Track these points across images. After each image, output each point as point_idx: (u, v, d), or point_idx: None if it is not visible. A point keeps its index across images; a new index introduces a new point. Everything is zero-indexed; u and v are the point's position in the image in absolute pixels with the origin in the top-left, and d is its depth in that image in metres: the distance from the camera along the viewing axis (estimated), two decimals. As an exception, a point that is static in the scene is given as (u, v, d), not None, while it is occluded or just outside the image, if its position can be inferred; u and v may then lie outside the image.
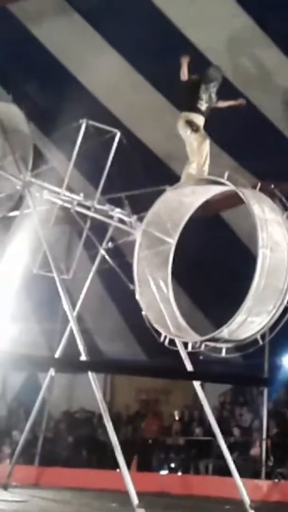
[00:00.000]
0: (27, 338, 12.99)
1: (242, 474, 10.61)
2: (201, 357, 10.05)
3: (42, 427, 14.81)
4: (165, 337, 10.10)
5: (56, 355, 12.16)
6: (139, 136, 13.54)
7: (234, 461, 10.71)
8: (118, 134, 11.45)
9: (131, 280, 10.60)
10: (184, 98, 10.46)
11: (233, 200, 11.84)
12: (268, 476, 13.05)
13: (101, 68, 12.82)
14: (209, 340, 9.69)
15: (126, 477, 9.16)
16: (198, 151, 10.34)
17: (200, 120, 10.34)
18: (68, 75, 13.53)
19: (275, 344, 13.82)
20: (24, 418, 15.19)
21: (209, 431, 12.44)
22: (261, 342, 9.58)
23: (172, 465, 15.08)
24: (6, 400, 18.83)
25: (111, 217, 11.44)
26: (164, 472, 14.84)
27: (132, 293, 13.62)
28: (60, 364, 12.10)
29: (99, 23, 12.56)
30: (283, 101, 11.96)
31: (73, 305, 11.25)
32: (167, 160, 13.40)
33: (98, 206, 11.40)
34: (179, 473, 14.74)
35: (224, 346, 9.71)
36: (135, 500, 8.82)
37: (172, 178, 11.00)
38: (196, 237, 11.62)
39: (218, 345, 9.71)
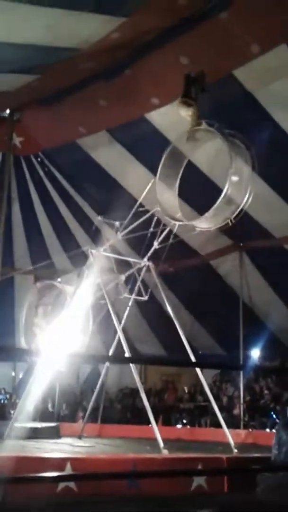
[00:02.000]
0: (93, 344, 12.85)
1: (228, 426, 10.48)
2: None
3: (102, 399, 14.71)
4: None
5: (110, 353, 12.19)
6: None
7: (223, 418, 10.59)
8: (117, 223, 11.43)
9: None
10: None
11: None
12: (245, 427, 12.87)
13: (133, 176, 12.91)
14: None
15: (155, 429, 9.17)
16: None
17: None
18: (114, 181, 13.50)
19: (246, 342, 13.84)
20: (91, 393, 15.12)
21: (206, 399, 12.29)
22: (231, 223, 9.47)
23: (184, 421, 14.90)
24: (79, 382, 18.71)
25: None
26: (179, 426, 14.66)
27: (156, 313, 13.53)
28: (113, 359, 12.08)
29: (132, 149, 12.56)
30: None
31: (119, 322, 11.32)
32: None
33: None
34: (188, 426, 14.56)
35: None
36: (161, 444, 8.81)
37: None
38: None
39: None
